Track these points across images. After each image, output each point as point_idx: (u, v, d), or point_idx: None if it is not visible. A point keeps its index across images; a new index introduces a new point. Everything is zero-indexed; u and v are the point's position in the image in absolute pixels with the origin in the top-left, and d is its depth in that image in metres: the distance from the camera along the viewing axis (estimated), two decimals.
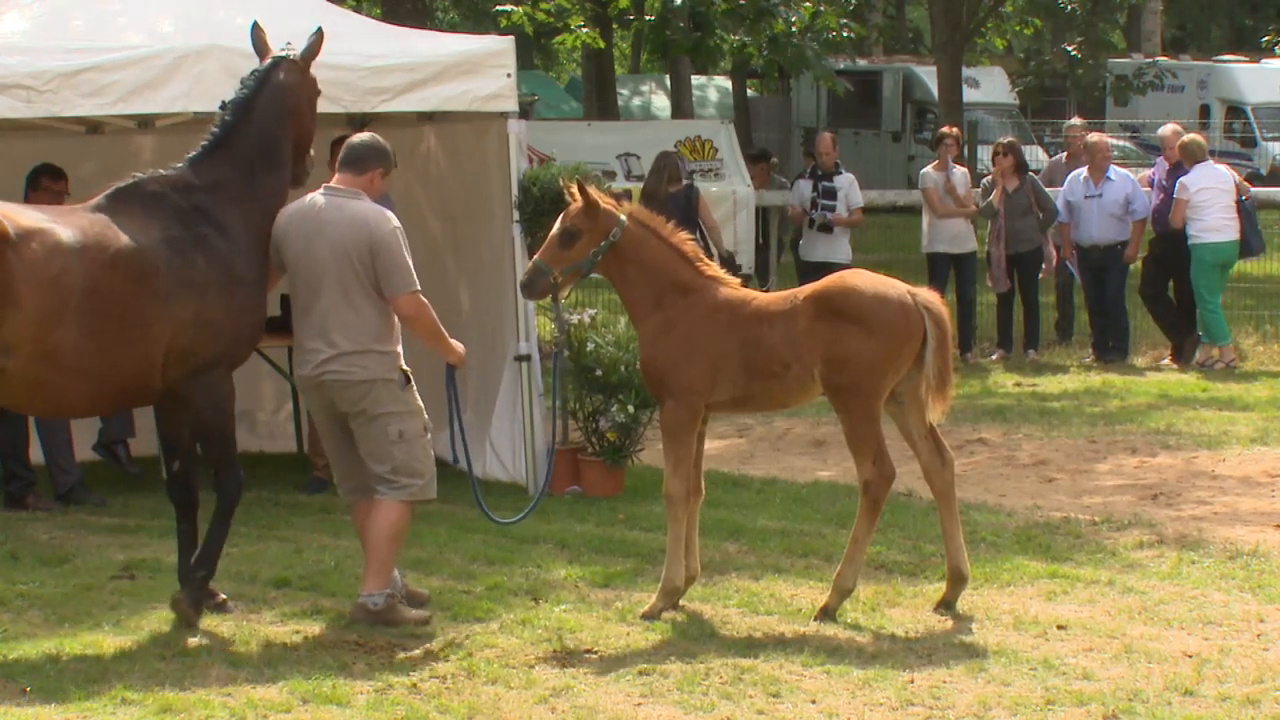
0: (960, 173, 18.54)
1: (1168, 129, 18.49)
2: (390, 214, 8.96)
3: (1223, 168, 17.88)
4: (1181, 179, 17.30)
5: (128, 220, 8.68)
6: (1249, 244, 17.57)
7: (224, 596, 9.19)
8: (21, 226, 8.33)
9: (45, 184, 11.98)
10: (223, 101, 9.18)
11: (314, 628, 8.89)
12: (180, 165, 9.01)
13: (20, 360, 8.33)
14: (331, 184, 8.97)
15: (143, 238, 8.65)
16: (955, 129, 19.74)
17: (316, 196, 8.95)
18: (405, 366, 8.95)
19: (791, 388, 9.06)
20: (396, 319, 8.90)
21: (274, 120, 9.09)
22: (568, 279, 9.21)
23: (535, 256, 9.24)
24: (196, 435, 8.98)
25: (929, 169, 18.74)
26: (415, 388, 8.98)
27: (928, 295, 9.11)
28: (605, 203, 9.17)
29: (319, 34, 9.33)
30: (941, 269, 18.25)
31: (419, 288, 8.91)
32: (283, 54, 9.23)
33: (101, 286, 8.47)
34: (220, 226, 8.84)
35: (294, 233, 8.88)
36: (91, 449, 12.77)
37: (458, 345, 9.17)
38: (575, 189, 9.14)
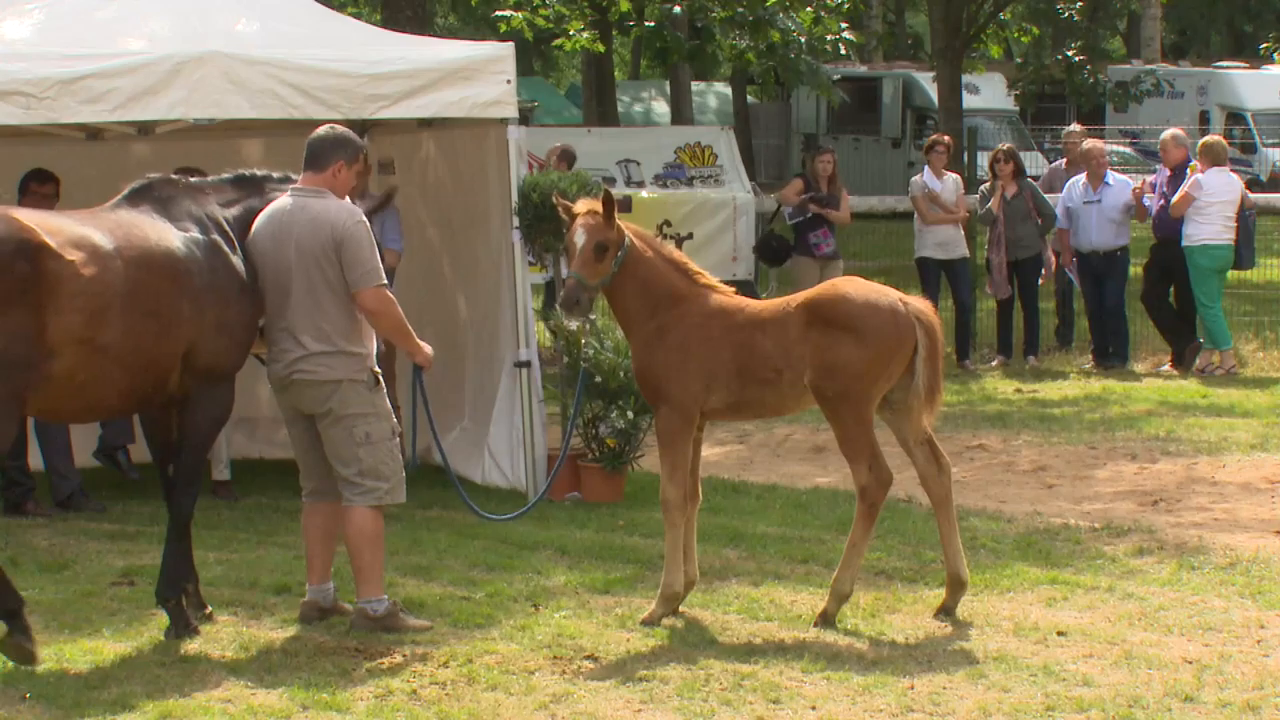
0: (951, 179, 18.49)
1: (1168, 135, 18.46)
2: (355, 209, 8.89)
3: (1234, 177, 17.85)
4: (1198, 177, 17.28)
5: (150, 220, 8.72)
6: (1240, 257, 17.55)
7: (210, 609, 9.16)
8: (59, 233, 8.30)
9: (33, 188, 11.97)
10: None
11: (314, 634, 8.89)
12: (194, 179, 9.12)
13: (65, 364, 8.28)
14: (298, 184, 8.96)
15: (169, 237, 8.68)
16: (948, 137, 19.68)
17: (284, 199, 8.94)
18: (376, 368, 8.92)
19: (785, 394, 9.08)
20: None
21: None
22: (595, 293, 9.16)
23: (572, 271, 8.97)
24: (183, 440, 8.90)
25: (916, 178, 18.77)
26: (385, 390, 8.95)
27: (919, 304, 9.11)
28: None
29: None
30: (932, 275, 18.25)
31: (384, 282, 8.86)
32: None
33: (139, 285, 8.48)
34: (228, 237, 8.90)
35: (263, 236, 8.89)
36: (91, 455, 12.75)
37: (425, 347, 9.13)
38: (596, 202, 9.12)
